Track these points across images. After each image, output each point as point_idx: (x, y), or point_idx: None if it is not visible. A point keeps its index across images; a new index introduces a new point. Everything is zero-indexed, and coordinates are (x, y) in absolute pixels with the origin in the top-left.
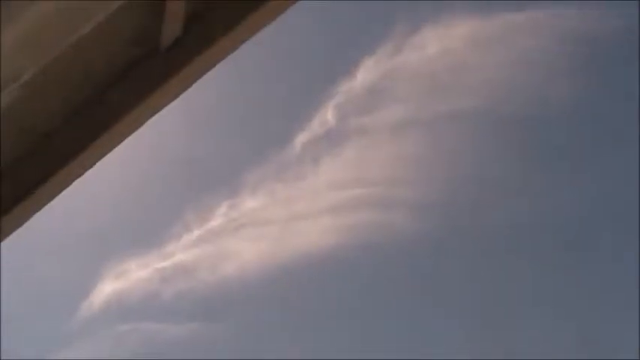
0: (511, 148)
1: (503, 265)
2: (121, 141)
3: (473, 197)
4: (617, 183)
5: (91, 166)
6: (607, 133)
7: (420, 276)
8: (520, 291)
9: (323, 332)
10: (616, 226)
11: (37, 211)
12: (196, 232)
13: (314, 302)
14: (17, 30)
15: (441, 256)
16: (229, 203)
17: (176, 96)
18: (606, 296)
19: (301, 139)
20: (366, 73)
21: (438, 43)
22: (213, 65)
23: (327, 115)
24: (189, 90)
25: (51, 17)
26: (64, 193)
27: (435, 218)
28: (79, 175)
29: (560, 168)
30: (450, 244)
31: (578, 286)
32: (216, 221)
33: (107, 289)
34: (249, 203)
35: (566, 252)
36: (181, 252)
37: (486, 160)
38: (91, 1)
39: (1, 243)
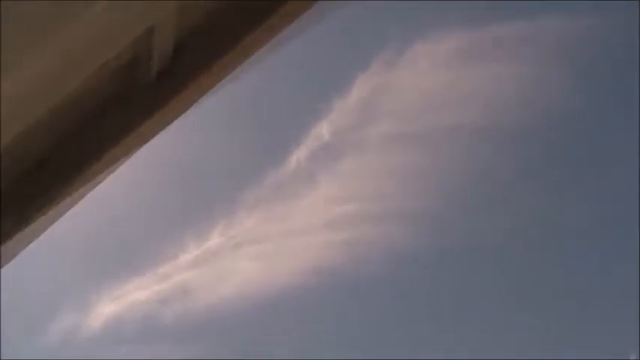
0: (505, 159)
1: (501, 275)
2: (113, 170)
3: (469, 209)
4: (613, 193)
5: (84, 195)
6: (602, 143)
7: (419, 288)
8: (517, 301)
9: (323, 349)
10: (614, 235)
11: (32, 241)
12: (194, 253)
13: (314, 319)
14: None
15: (440, 268)
16: (226, 222)
17: (168, 124)
18: (604, 299)
19: (297, 155)
20: (359, 89)
21: (429, 57)
22: (205, 93)
23: (323, 131)
24: None
25: (53, 70)
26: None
27: (434, 231)
28: (73, 205)
29: (554, 178)
30: (448, 256)
31: (575, 292)
32: (213, 241)
33: (105, 311)
34: (247, 222)
35: (562, 259)
36: (179, 273)
37: (481, 172)
38: (96, 51)
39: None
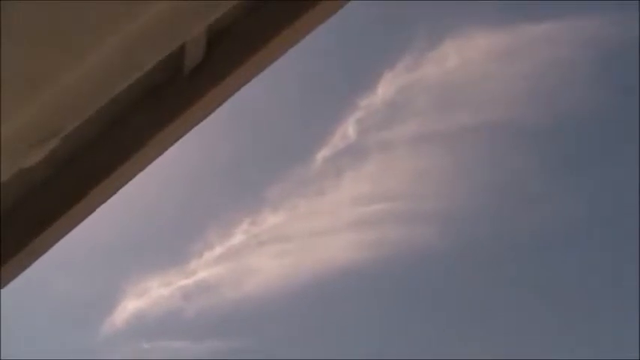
0: (531, 158)
1: (525, 274)
2: (144, 167)
3: (494, 208)
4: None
5: (114, 193)
6: (628, 142)
7: (443, 289)
8: (542, 300)
9: (345, 348)
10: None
11: (61, 238)
12: (218, 249)
13: (336, 318)
14: (58, 86)
15: (465, 269)
16: (251, 220)
17: (200, 120)
18: (612, 298)
19: (323, 154)
20: (386, 87)
21: (457, 55)
22: (237, 89)
23: (349, 130)
24: None
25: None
26: None
27: (458, 230)
28: (103, 202)
29: (580, 177)
30: (472, 256)
31: (594, 291)
32: (237, 238)
33: (129, 306)
34: (271, 219)
35: (585, 257)
36: (203, 269)
37: (507, 171)
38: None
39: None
